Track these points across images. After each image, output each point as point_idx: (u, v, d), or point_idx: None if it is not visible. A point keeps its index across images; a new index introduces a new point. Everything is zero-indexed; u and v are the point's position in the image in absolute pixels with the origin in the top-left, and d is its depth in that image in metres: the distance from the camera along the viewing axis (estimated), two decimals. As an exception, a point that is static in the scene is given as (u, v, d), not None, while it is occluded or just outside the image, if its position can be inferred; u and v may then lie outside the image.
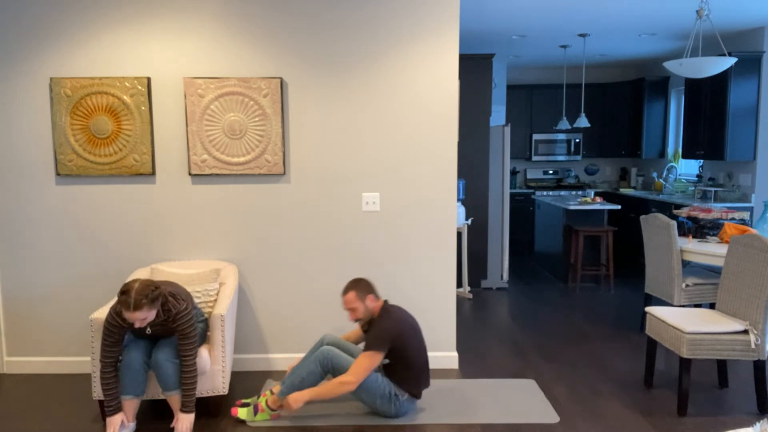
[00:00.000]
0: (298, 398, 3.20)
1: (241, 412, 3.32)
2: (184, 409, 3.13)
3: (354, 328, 3.73)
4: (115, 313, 3.06)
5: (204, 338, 3.44)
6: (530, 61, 8.48)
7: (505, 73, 8.56)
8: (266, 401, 3.32)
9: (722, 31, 6.53)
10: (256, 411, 3.31)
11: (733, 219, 4.81)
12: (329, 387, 3.19)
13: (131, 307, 2.90)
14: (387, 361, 3.33)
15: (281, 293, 4.10)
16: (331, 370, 3.26)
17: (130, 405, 3.15)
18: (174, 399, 3.15)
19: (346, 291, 3.37)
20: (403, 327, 3.31)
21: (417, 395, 3.39)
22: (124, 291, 2.93)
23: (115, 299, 3.59)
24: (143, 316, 2.94)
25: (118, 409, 3.10)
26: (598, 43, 7.16)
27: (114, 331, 3.07)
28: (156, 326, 3.14)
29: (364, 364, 3.18)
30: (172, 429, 3.21)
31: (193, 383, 3.13)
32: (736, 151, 6.40)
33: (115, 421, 3.07)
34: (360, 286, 3.36)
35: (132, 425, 3.16)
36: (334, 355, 3.27)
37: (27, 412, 3.50)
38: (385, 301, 3.43)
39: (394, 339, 3.25)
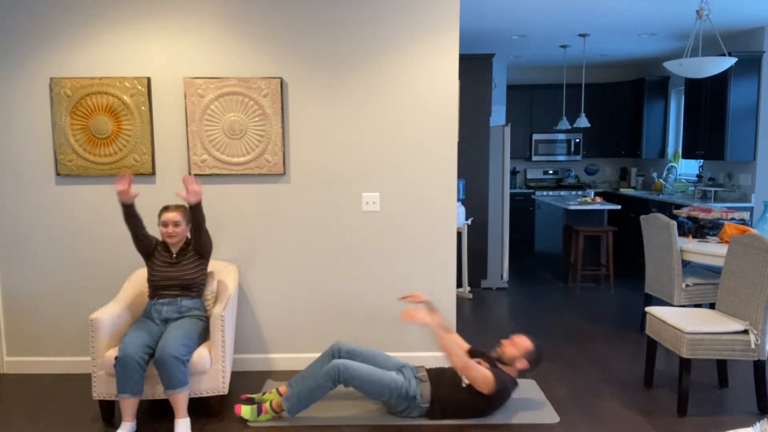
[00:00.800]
0: (426, 319, 3.24)
1: (245, 411, 3.31)
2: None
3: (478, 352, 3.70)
4: (153, 236, 3.53)
5: (205, 337, 3.45)
6: (530, 61, 8.48)
7: (505, 73, 8.56)
8: (270, 403, 3.31)
9: (722, 31, 6.53)
10: (259, 411, 3.31)
11: (733, 219, 4.81)
12: (450, 347, 3.21)
13: (170, 208, 3.44)
14: (464, 384, 3.31)
15: (281, 293, 4.10)
16: (345, 381, 3.21)
17: (129, 404, 3.14)
18: (176, 398, 3.14)
19: (525, 338, 3.44)
20: (505, 400, 3.35)
21: (430, 417, 3.34)
22: (164, 206, 3.51)
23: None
24: (177, 218, 3.43)
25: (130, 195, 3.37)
26: (598, 43, 7.16)
27: (150, 238, 3.49)
28: (180, 253, 3.49)
29: (477, 372, 3.22)
30: (173, 429, 3.21)
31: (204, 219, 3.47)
32: (736, 151, 6.40)
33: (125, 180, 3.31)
34: (532, 353, 3.39)
35: (132, 425, 3.16)
36: (345, 369, 3.20)
37: (27, 412, 3.50)
38: (517, 380, 3.44)
39: (500, 394, 3.27)
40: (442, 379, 3.36)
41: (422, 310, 3.33)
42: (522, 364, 3.38)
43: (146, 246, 3.48)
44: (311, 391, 3.22)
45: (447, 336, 3.27)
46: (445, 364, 3.39)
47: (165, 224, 3.43)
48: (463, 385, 3.29)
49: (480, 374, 3.21)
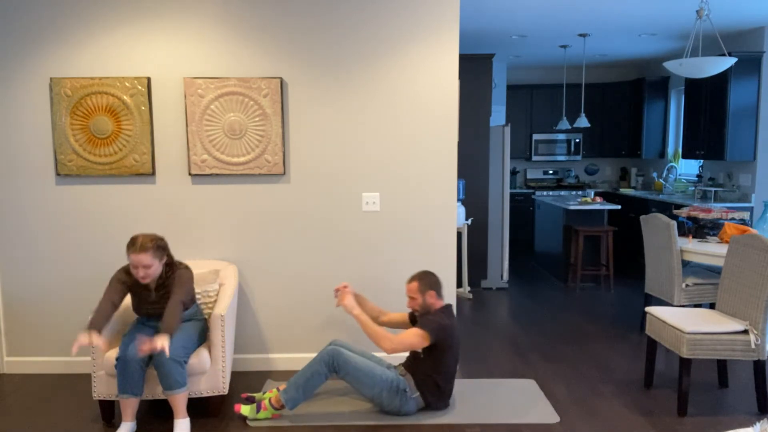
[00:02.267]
0: (353, 305, 3.32)
1: (244, 409, 3.32)
2: (163, 330, 3.00)
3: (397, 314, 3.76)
4: (124, 269, 3.19)
5: (204, 338, 3.45)
6: (530, 61, 8.48)
7: (505, 73, 8.56)
8: (269, 399, 3.31)
9: (722, 31, 6.53)
10: (258, 409, 3.31)
11: (733, 219, 4.81)
12: (375, 329, 3.25)
13: (137, 248, 3.03)
14: (421, 353, 3.35)
15: (281, 293, 4.10)
16: (338, 368, 3.25)
17: (129, 404, 3.14)
18: (175, 399, 3.14)
19: (411, 279, 3.43)
20: (454, 331, 3.36)
21: (430, 402, 3.37)
22: (132, 238, 3.09)
23: None
24: (147, 262, 3.04)
25: (96, 327, 3.01)
26: (598, 43, 7.16)
27: (120, 277, 3.18)
28: (160, 289, 3.19)
29: (408, 339, 3.24)
30: (173, 429, 3.22)
31: (177, 312, 3.06)
32: (736, 151, 6.40)
33: (83, 338, 2.96)
34: (424, 280, 3.41)
35: (132, 425, 3.16)
36: (339, 354, 3.26)
37: (27, 412, 3.50)
38: (448, 305, 3.46)
39: (443, 334, 3.29)
40: (414, 363, 3.40)
41: (351, 299, 3.37)
42: (430, 297, 3.40)
43: (123, 295, 3.20)
44: (307, 379, 3.24)
45: (370, 324, 3.29)
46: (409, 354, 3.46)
47: (134, 266, 3.09)
48: (421, 356, 3.35)
49: (412, 337, 3.25)
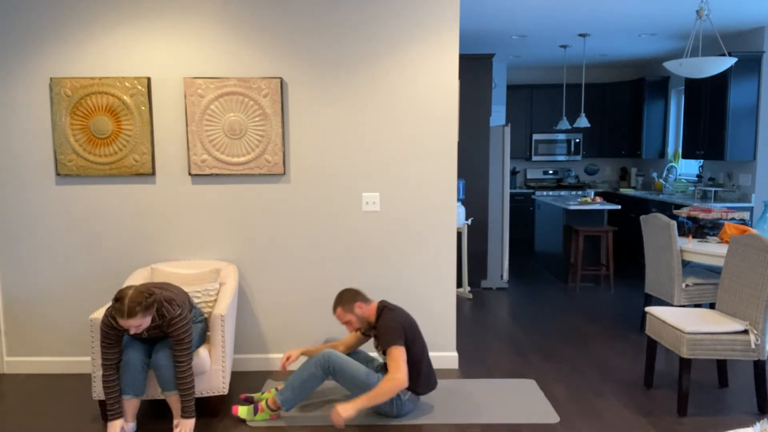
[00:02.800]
0: (347, 408, 3.04)
1: (242, 411, 3.32)
2: (185, 414, 3.12)
3: (348, 335, 3.70)
4: (110, 317, 3.02)
5: (204, 338, 3.45)
6: (530, 61, 8.48)
7: (505, 73, 8.56)
8: (266, 401, 3.31)
9: (722, 31, 6.53)
10: (256, 410, 3.31)
11: (733, 219, 4.81)
12: (382, 389, 3.10)
13: (125, 315, 2.87)
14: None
15: (281, 293, 4.10)
16: (333, 372, 3.24)
17: (130, 405, 3.14)
18: (173, 399, 3.15)
19: (334, 309, 3.37)
20: (407, 320, 3.33)
21: (420, 393, 3.39)
22: (118, 298, 2.90)
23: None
24: (137, 323, 2.92)
25: (119, 413, 3.09)
26: (598, 43, 7.16)
27: (110, 333, 3.05)
28: (152, 330, 3.13)
29: (399, 358, 3.17)
30: (172, 429, 3.22)
31: (190, 388, 3.11)
32: (736, 151, 6.40)
33: (114, 427, 3.07)
34: (344, 299, 3.35)
35: (132, 425, 3.16)
36: (336, 357, 3.25)
37: (27, 412, 3.50)
38: (381, 301, 3.42)
39: (404, 332, 3.26)
40: (384, 367, 3.38)
41: (335, 415, 3.08)
42: (359, 308, 3.32)
43: (119, 344, 3.11)
44: (303, 382, 3.24)
45: (373, 397, 3.11)
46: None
47: (125, 328, 2.98)
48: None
49: (397, 359, 3.15)
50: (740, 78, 6.31)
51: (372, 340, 3.60)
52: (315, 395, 3.64)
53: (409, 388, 3.34)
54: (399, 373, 3.14)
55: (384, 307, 3.37)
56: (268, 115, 3.90)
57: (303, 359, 3.95)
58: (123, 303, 2.88)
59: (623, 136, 8.83)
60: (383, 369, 3.44)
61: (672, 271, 4.49)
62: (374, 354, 4.03)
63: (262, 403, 3.31)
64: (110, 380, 3.07)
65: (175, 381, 3.11)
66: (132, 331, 2.96)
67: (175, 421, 3.17)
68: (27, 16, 3.84)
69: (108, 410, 3.09)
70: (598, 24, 6.12)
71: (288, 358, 3.47)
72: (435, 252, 4.08)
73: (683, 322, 3.42)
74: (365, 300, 3.39)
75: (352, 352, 3.60)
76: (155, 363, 3.11)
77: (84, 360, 4.09)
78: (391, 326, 3.24)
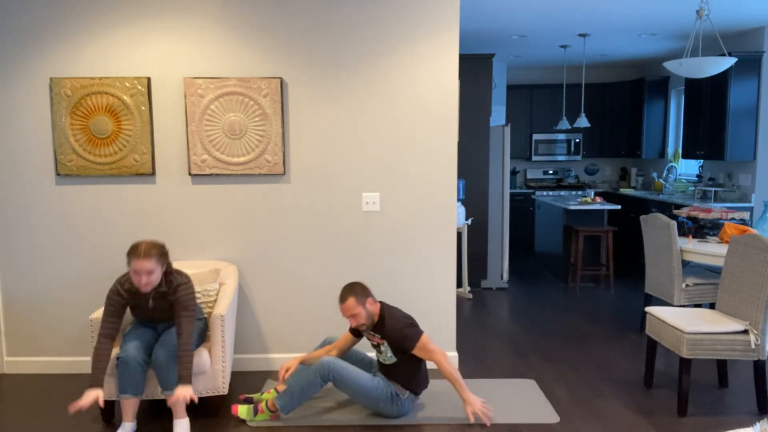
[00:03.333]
0: (471, 400, 3.26)
1: (241, 411, 3.31)
2: (182, 381, 3.04)
3: (341, 338, 3.62)
4: (119, 284, 3.12)
5: (204, 337, 3.45)
6: (530, 61, 8.48)
7: (505, 73, 8.56)
8: (266, 402, 3.31)
9: (722, 31, 6.53)
10: (256, 411, 3.31)
11: (733, 219, 4.81)
12: (454, 368, 3.24)
13: (141, 254, 2.99)
14: (394, 360, 3.32)
15: (281, 293, 4.10)
16: (334, 381, 3.23)
17: (130, 404, 3.14)
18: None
19: (343, 298, 3.24)
20: (409, 316, 3.35)
21: (418, 393, 3.40)
22: (134, 245, 3.04)
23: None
24: (150, 267, 3.00)
25: (99, 383, 3.02)
26: (598, 43, 7.16)
27: (116, 299, 3.10)
28: (158, 300, 3.15)
29: (429, 342, 3.23)
30: (172, 429, 3.21)
31: (189, 357, 3.06)
32: (736, 151, 6.40)
33: (90, 395, 2.96)
34: (357, 291, 3.25)
35: (132, 425, 3.16)
36: (335, 366, 3.22)
37: (27, 412, 3.50)
38: (381, 302, 3.42)
39: (412, 324, 3.28)
40: (392, 369, 3.35)
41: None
42: (370, 304, 3.27)
43: (122, 315, 3.16)
44: (302, 388, 3.23)
45: (462, 385, 3.28)
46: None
47: (137, 273, 3.02)
48: (399, 360, 3.31)
49: (434, 348, 3.23)
50: (740, 78, 6.31)
51: (366, 341, 3.57)
52: (316, 396, 3.64)
53: (408, 388, 3.34)
54: (439, 353, 3.21)
55: (386, 307, 3.36)
56: (268, 115, 3.90)
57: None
58: (139, 245, 3.03)
59: (623, 136, 8.83)
60: (381, 368, 3.44)
61: (672, 271, 4.49)
62: (372, 354, 4.03)
63: (262, 404, 3.31)
64: (101, 349, 3.05)
65: (177, 349, 3.08)
66: (143, 281, 3.01)
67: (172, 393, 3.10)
68: (27, 16, 3.84)
69: (90, 378, 3.02)
70: (598, 24, 6.12)
71: (287, 370, 3.38)
72: (435, 252, 4.08)
73: (683, 322, 3.42)
74: (374, 298, 3.35)
75: (350, 351, 3.58)
76: (155, 361, 3.10)
77: (84, 360, 4.09)
78: (405, 321, 3.27)
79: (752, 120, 6.36)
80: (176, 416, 3.16)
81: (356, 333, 3.49)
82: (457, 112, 3.99)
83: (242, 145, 3.92)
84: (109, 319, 3.11)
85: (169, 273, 3.16)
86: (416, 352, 3.23)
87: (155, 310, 3.22)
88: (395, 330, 3.24)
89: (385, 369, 3.40)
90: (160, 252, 3.06)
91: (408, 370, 3.33)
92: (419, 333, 3.24)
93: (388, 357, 3.32)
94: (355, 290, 3.26)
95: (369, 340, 3.43)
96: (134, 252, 3.01)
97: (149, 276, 3.02)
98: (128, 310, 3.49)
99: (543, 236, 7.60)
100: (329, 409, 3.45)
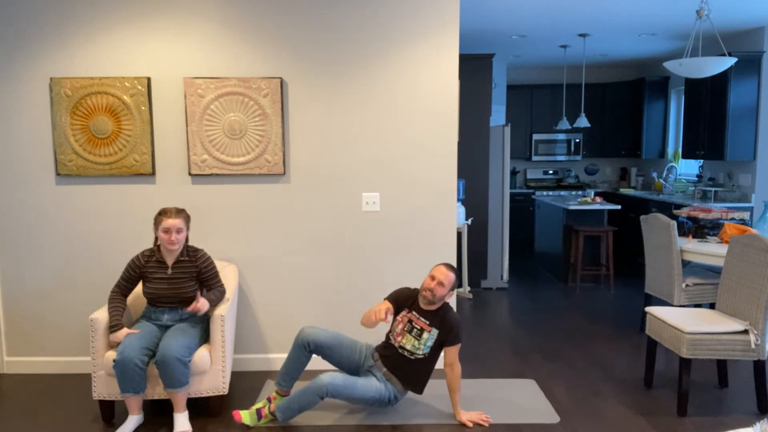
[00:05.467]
0: (461, 413, 3.33)
1: (245, 416, 3.29)
2: (206, 298, 3.34)
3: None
4: (141, 254, 3.40)
5: (204, 338, 3.45)
6: (530, 61, 8.48)
7: (505, 73, 8.56)
8: (269, 407, 3.30)
9: (722, 31, 6.53)
10: (259, 416, 3.30)
11: (733, 219, 4.81)
12: (457, 384, 3.33)
13: (172, 213, 3.29)
14: (427, 351, 3.30)
15: (281, 293, 4.10)
16: (332, 397, 3.20)
17: (133, 400, 3.17)
18: (177, 396, 3.15)
19: (450, 268, 3.35)
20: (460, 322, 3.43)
21: (417, 391, 3.40)
22: (163, 209, 3.35)
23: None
24: (180, 225, 3.28)
25: (119, 326, 3.25)
26: (598, 43, 7.16)
27: (136, 264, 3.37)
28: (178, 266, 3.35)
29: (456, 353, 3.33)
30: (172, 422, 3.22)
31: (221, 295, 3.46)
32: (736, 151, 6.40)
33: (120, 334, 3.21)
34: (456, 278, 3.41)
35: (138, 417, 3.21)
36: (335, 386, 3.14)
37: (27, 412, 3.50)
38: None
39: (459, 325, 3.36)
40: (395, 361, 3.33)
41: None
42: (450, 296, 3.39)
43: (135, 282, 3.42)
44: (301, 406, 3.20)
45: (458, 393, 3.37)
46: (384, 338, 3.49)
47: (167, 231, 3.27)
48: (413, 358, 3.32)
49: (456, 354, 3.34)
50: (740, 78, 6.31)
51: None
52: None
53: (412, 388, 3.36)
54: (457, 365, 3.32)
55: (449, 305, 3.43)
56: (268, 115, 3.90)
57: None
58: (168, 208, 3.34)
59: (623, 136, 8.83)
60: (391, 360, 3.38)
61: (672, 271, 4.49)
62: (366, 332, 4.01)
63: (265, 410, 3.29)
64: (115, 301, 3.33)
65: (214, 295, 3.41)
66: (173, 237, 3.26)
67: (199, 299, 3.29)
68: (27, 16, 3.84)
69: (110, 326, 3.25)
70: (598, 24, 6.12)
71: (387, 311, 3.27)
72: (435, 252, 4.08)
73: (683, 322, 3.42)
74: (451, 296, 3.44)
75: (351, 352, 3.49)
76: (163, 360, 3.09)
77: (84, 360, 4.09)
78: (460, 326, 3.34)
79: (752, 120, 6.36)
80: (176, 410, 3.18)
81: (399, 301, 3.43)
82: (457, 112, 3.99)
83: (242, 145, 3.92)
84: (124, 282, 3.39)
85: (189, 246, 3.44)
86: (451, 349, 3.31)
87: (172, 279, 3.33)
88: (454, 321, 3.33)
89: (399, 362, 3.33)
90: (186, 216, 3.37)
91: (425, 367, 3.33)
92: (461, 339, 3.36)
93: (425, 347, 3.30)
94: (455, 274, 3.42)
95: (412, 321, 3.34)
96: (164, 212, 3.31)
97: (178, 234, 3.29)
98: (132, 305, 3.56)
99: (543, 236, 7.60)
100: (329, 409, 3.45)
